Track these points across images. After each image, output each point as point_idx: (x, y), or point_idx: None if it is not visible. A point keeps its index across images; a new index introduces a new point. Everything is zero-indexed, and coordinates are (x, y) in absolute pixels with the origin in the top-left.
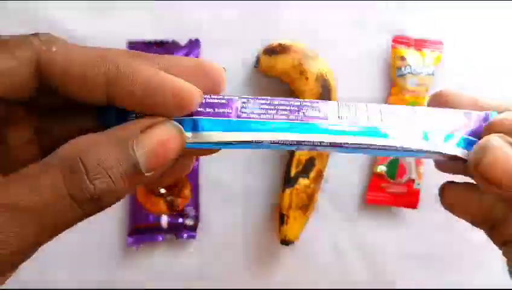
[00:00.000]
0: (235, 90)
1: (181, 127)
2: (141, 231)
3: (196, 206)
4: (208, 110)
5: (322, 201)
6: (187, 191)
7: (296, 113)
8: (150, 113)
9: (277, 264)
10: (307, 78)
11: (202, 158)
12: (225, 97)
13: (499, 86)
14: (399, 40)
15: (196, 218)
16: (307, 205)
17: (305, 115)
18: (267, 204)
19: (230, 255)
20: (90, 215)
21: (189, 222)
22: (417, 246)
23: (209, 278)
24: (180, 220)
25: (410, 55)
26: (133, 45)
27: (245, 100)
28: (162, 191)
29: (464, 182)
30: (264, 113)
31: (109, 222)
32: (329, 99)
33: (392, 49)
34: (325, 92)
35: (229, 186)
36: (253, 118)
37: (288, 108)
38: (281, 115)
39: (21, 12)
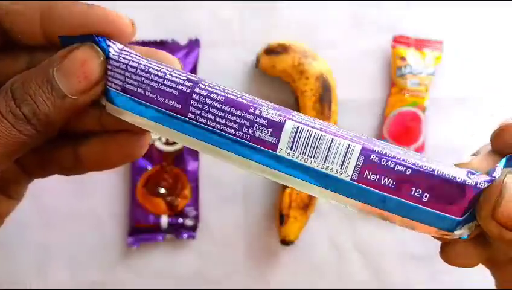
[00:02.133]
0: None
1: (98, 49)
2: (141, 231)
3: (196, 206)
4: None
5: (322, 201)
6: (187, 191)
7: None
8: None
9: (277, 264)
10: (307, 78)
11: (202, 158)
12: (185, 82)
13: (499, 86)
14: (399, 40)
15: (196, 218)
16: (307, 205)
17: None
18: (267, 204)
19: (230, 255)
20: (32, 137)
21: (189, 222)
22: (417, 246)
23: (209, 278)
24: (180, 220)
25: (410, 55)
26: (133, 45)
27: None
28: (162, 191)
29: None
30: (212, 119)
31: (109, 222)
32: (330, 99)
33: (392, 49)
34: (325, 92)
35: (229, 186)
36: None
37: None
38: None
39: None
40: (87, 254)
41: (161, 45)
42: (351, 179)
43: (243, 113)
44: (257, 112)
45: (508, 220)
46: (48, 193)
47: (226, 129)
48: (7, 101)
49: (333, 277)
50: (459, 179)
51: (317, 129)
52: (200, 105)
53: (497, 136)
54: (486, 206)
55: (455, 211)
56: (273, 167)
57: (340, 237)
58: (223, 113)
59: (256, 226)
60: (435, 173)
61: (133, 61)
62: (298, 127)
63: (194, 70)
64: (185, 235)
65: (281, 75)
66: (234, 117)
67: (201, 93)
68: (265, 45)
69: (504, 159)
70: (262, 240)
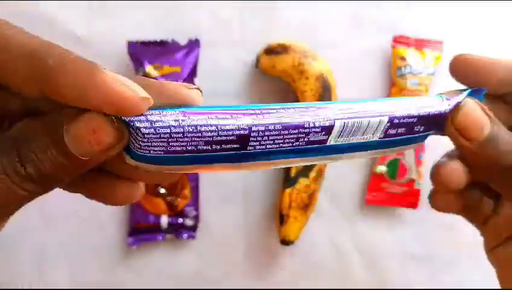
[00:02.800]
0: (235, 90)
1: (112, 118)
2: (141, 231)
3: (196, 206)
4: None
5: (322, 201)
6: (187, 191)
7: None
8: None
9: (277, 264)
10: (307, 78)
11: None
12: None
13: None
14: (399, 40)
15: (196, 218)
16: (307, 205)
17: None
18: (267, 204)
19: (230, 255)
20: (37, 194)
21: (189, 222)
22: (417, 246)
23: (209, 278)
24: (180, 220)
25: (410, 55)
26: (133, 45)
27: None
28: (162, 191)
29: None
30: (270, 144)
31: (109, 222)
32: (329, 99)
33: (392, 49)
34: (325, 92)
35: (229, 186)
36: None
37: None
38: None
39: (21, 13)
40: (87, 254)
41: (161, 45)
42: (379, 138)
43: (299, 130)
44: (311, 124)
45: (462, 127)
46: (48, 193)
47: (283, 146)
48: (12, 161)
49: (333, 277)
50: (443, 110)
51: (357, 118)
52: (259, 138)
53: (453, 68)
54: (449, 119)
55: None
56: (320, 155)
57: (340, 237)
58: (281, 136)
59: (256, 226)
60: (429, 113)
61: (175, 126)
62: (344, 123)
63: (194, 70)
64: (185, 235)
65: (281, 75)
66: (291, 135)
67: (259, 129)
68: (265, 45)
69: (467, 91)
70: (262, 240)
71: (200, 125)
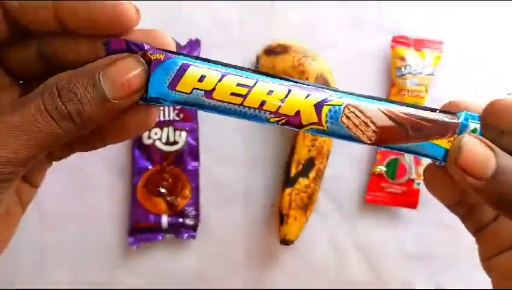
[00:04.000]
0: None
1: (141, 59)
2: (141, 231)
3: (196, 206)
4: None
5: (322, 201)
6: (187, 191)
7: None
8: (98, 33)
9: (277, 264)
10: (307, 78)
11: (203, 158)
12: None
13: (499, 86)
14: (399, 40)
15: (196, 218)
16: (307, 205)
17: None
18: (267, 204)
19: (230, 255)
20: (71, 133)
21: (189, 222)
22: (417, 246)
23: (209, 278)
24: (180, 220)
25: (410, 55)
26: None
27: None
28: (162, 191)
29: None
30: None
31: (109, 222)
32: None
33: (391, 49)
34: None
35: (229, 186)
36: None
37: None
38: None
39: None
40: (87, 254)
41: None
42: None
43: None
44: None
45: (467, 167)
46: (48, 193)
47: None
48: (53, 98)
49: (333, 277)
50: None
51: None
52: None
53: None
54: (451, 154)
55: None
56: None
57: (340, 237)
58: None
59: (256, 226)
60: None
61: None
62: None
63: None
64: (185, 235)
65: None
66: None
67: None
68: (265, 45)
69: (464, 116)
70: (262, 240)
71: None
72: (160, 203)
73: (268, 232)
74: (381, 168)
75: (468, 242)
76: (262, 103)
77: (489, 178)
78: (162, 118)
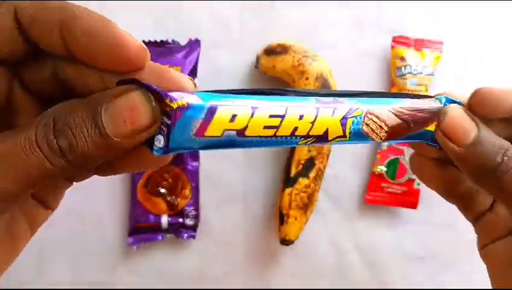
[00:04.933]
0: None
1: (150, 96)
2: (141, 231)
3: (196, 206)
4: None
5: (322, 201)
6: (187, 191)
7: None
8: (102, 67)
9: (277, 264)
10: (307, 78)
11: (202, 158)
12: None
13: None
14: (399, 40)
15: (196, 218)
16: (306, 205)
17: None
18: (267, 204)
19: (230, 255)
20: (64, 170)
21: (189, 222)
22: (417, 246)
23: (209, 278)
24: (180, 220)
25: (410, 55)
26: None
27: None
28: (162, 191)
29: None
30: None
31: (109, 221)
32: None
33: (392, 49)
34: None
35: (229, 186)
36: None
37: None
38: None
39: None
40: (87, 254)
41: (161, 45)
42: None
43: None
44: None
45: (448, 132)
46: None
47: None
48: (46, 131)
49: (333, 276)
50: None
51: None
52: None
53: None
54: (437, 121)
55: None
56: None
57: (340, 237)
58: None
59: (256, 226)
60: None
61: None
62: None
63: (194, 70)
64: (185, 235)
65: (281, 75)
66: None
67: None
68: (265, 45)
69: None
70: (262, 240)
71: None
72: (160, 203)
73: (268, 232)
74: (382, 168)
75: (468, 242)
76: (295, 129)
77: (469, 145)
78: None
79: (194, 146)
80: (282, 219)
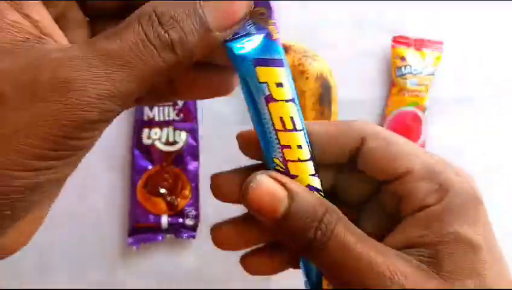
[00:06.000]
0: (235, 90)
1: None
2: (141, 231)
3: (196, 206)
4: None
5: None
6: (187, 191)
7: None
8: None
9: None
10: (307, 78)
11: (202, 158)
12: None
13: (498, 86)
14: (399, 40)
15: (196, 218)
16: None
17: None
18: None
19: (230, 255)
20: (170, 66)
21: (189, 222)
22: None
23: (209, 278)
24: (180, 220)
25: (410, 55)
26: None
27: None
28: (162, 191)
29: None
30: None
31: (109, 221)
32: (329, 100)
33: (392, 49)
34: (325, 92)
35: None
36: None
37: None
38: None
39: None
40: (87, 254)
41: None
42: None
43: None
44: None
45: (254, 209)
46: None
47: None
48: (154, 25)
49: None
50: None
51: None
52: None
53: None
54: (242, 189)
55: None
56: None
57: None
58: None
59: None
60: None
61: None
62: None
63: None
64: (185, 235)
65: None
66: None
67: None
68: None
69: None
70: None
71: None
72: (160, 203)
73: None
74: None
75: None
76: (286, 147)
77: (278, 220)
78: (161, 118)
79: (248, 61)
80: None
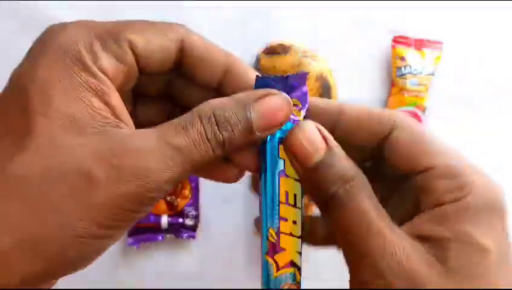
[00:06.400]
0: None
1: (289, 99)
2: (141, 231)
3: (196, 206)
4: None
5: None
6: (187, 191)
7: None
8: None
9: None
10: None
11: None
12: None
13: (498, 86)
14: (399, 40)
15: (196, 218)
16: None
17: None
18: None
19: (230, 255)
20: (217, 158)
21: (189, 222)
22: None
23: (209, 278)
24: (180, 220)
25: (410, 55)
26: None
27: None
28: None
29: None
30: None
31: None
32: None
33: (392, 49)
34: (325, 92)
35: (229, 186)
36: None
37: None
38: None
39: (21, 12)
40: None
41: None
42: None
43: None
44: None
45: (292, 151)
46: None
47: None
48: (212, 126)
49: (333, 276)
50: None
51: None
52: None
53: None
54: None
55: None
56: None
57: None
58: None
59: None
60: None
61: None
62: None
63: None
64: (185, 235)
65: None
66: None
67: None
68: (265, 45)
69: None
70: None
71: None
72: (160, 203)
73: None
74: None
75: None
76: (283, 219)
77: (310, 168)
78: None
79: (273, 144)
80: None
